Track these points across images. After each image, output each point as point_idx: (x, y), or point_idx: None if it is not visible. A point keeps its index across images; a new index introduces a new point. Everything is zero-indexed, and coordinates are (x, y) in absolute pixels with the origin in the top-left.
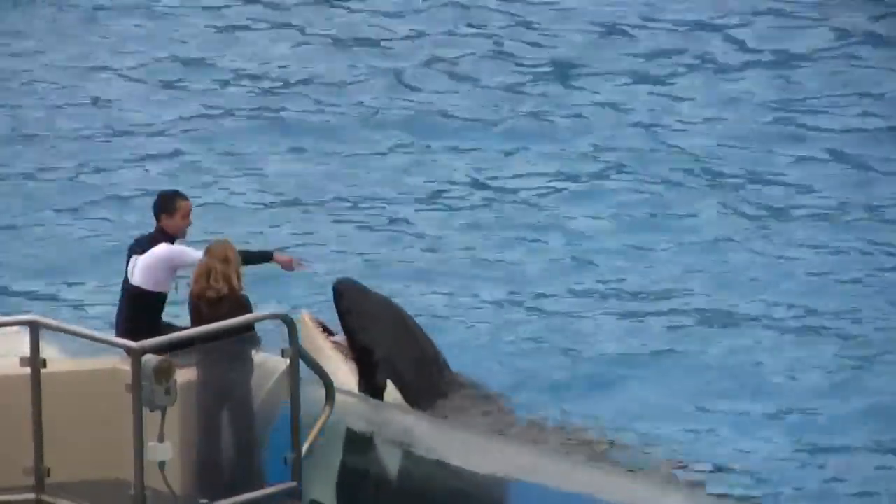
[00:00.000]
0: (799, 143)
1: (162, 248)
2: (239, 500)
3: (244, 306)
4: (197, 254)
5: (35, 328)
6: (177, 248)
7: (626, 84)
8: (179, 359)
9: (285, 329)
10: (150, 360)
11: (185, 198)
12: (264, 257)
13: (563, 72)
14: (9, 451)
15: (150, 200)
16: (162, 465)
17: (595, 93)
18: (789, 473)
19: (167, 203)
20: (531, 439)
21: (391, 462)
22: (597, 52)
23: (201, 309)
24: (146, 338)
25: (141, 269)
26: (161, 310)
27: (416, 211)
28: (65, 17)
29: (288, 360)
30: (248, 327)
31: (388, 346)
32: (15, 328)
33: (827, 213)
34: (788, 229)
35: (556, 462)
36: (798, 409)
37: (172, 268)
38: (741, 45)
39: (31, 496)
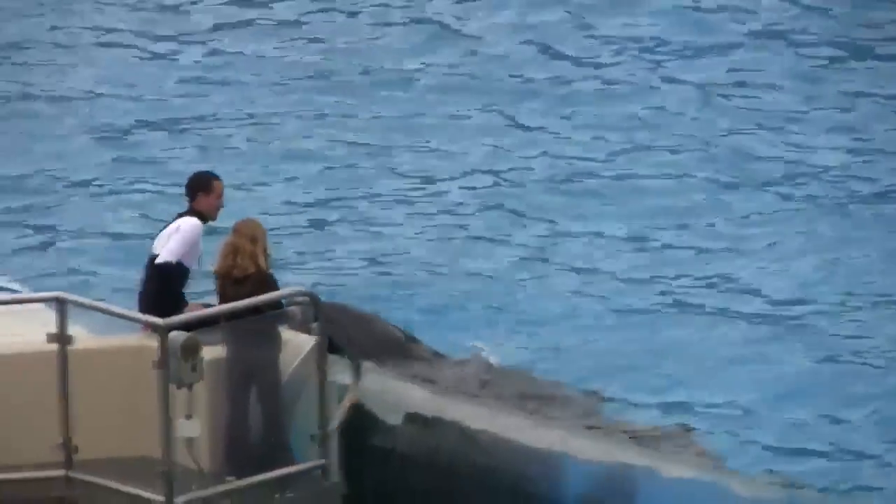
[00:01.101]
0: None
1: (191, 221)
2: (266, 477)
3: (270, 285)
4: (177, 249)
5: (62, 304)
6: (195, 236)
7: None
8: (207, 336)
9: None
10: (177, 336)
11: (218, 178)
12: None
13: None
14: (37, 427)
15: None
16: (190, 441)
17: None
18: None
19: (203, 182)
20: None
21: (416, 439)
22: None
23: (226, 287)
24: (171, 314)
25: (166, 238)
26: (183, 285)
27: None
28: None
29: (315, 338)
30: (276, 305)
31: (345, 333)
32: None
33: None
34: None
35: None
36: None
37: (188, 243)
38: None
39: (61, 472)
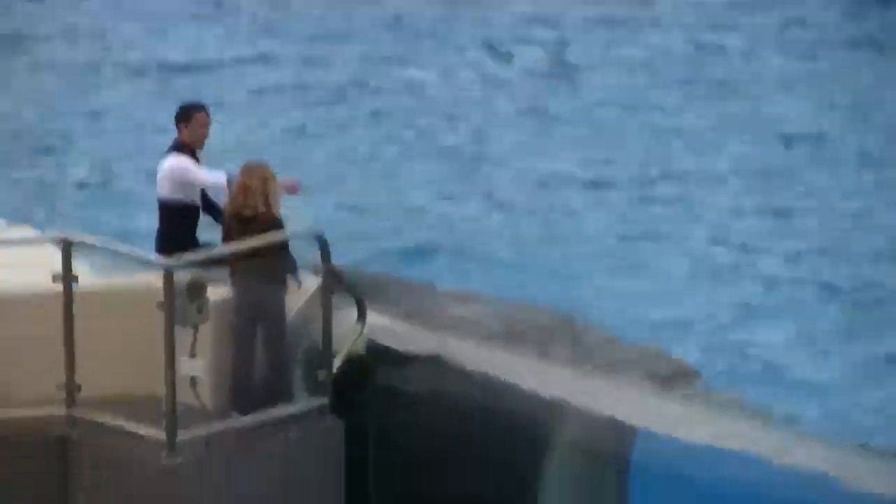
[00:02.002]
0: None
1: (170, 161)
2: (270, 416)
3: (277, 226)
4: (201, 174)
5: (67, 245)
6: (183, 165)
7: None
8: (213, 276)
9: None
10: (183, 277)
11: (201, 108)
12: None
13: None
14: (42, 367)
15: None
16: (193, 380)
17: None
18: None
19: (184, 113)
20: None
21: (423, 379)
22: None
23: (233, 227)
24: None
25: (158, 181)
26: (193, 224)
27: None
28: None
29: (320, 279)
30: (283, 247)
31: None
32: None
33: None
34: None
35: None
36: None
37: (181, 181)
38: None
39: (63, 411)
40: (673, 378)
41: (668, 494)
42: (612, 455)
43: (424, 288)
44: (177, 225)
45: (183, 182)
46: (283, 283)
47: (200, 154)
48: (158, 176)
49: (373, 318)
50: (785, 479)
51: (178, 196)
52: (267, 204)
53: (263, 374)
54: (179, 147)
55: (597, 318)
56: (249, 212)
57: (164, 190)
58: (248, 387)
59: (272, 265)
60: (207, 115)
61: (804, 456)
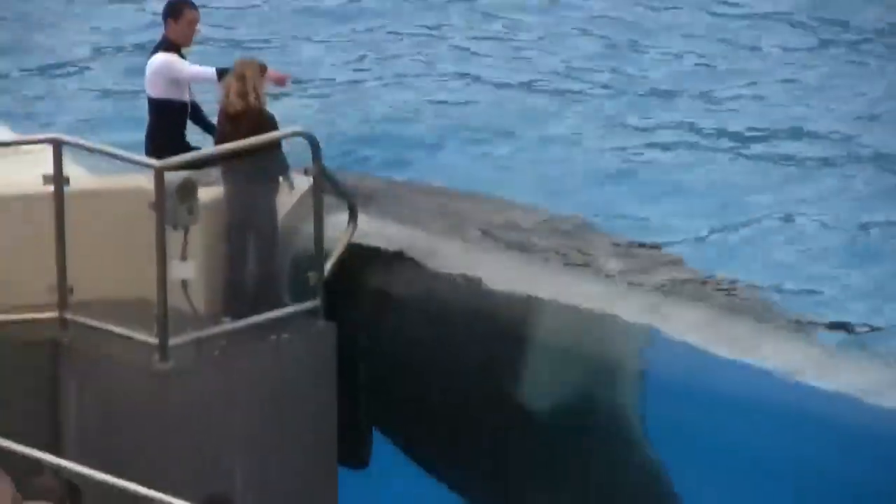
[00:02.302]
0: None
1: (156, 59)
2: (261, 318)
3: (266, 124)
4: (190, 67)
5: (58, 146)
6: (168, 60)
7: None
8: (203, 177)
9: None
10: (174, 178)
11: (192, 7)
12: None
13: None
14: (33, 269)
15: None
16: (184, 283)
17: None
18: None
19: (174, 9)
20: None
21: (411, 280)
22: None
23: (224, 125)
24: (171, 155)
25: (147, 80)
26: (182, 122)
27: None
28: None
29: (311, 179)
30: (274, 146)
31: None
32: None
33: None
34: None
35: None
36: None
37: (170, 79)
38: None
39: (54, 314)
40: (675, 281)
41: (683, 404)
42: (616, 360)
43: (413, 187)
44: (166, 123)
45: (173, 79)
46: (275, 182)
47: (187, 53)
48: (147, 74)
49: (361, 219)
50: (800, 393)
51: (167, 94)
52: (247, 99)
53: (255, 277)
54: (166, 45)
55: (591, 218)
56: (232, 109)
57: (153, 88)
58: (239, 289)
59: (262, 164)
60: (197, 13)
61: (815, 363)
